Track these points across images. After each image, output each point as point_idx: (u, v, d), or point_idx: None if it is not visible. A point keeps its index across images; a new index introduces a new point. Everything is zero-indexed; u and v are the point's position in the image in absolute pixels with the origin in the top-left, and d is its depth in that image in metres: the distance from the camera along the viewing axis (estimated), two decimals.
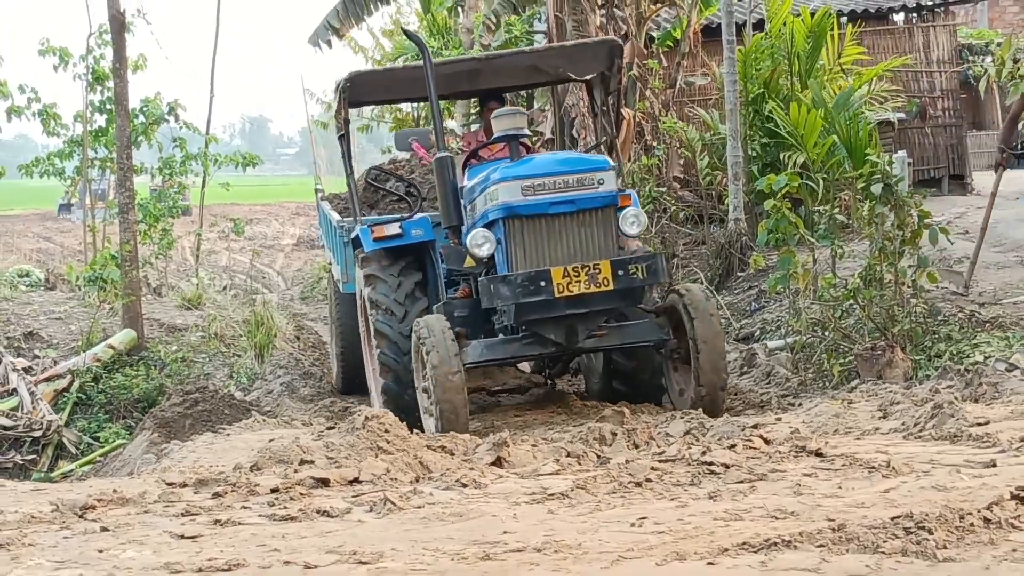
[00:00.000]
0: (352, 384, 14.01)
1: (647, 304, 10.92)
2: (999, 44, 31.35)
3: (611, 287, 9.67)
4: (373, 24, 24.09)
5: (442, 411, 9.46)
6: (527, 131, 11.50)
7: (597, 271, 9.72)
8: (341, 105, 12.59)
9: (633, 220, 10.36)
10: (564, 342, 9.96)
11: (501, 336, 10.56)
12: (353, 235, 12.23)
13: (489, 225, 10.17)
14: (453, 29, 23.24)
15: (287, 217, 37.97)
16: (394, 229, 11.34)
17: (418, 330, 9.89)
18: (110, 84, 18.88)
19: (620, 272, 9.74)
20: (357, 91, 12.74)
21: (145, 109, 20.53)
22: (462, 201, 11.17)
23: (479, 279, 10.30)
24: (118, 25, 17.62)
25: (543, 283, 9.53)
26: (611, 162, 10.85)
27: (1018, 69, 25.10)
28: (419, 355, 10.06)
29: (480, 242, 10.02)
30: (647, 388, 11.38)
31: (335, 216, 14.59)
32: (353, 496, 5.08)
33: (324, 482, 5.42)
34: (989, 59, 33.26)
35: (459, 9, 23.08)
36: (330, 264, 15.97)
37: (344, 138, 12.92)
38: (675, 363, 10.75)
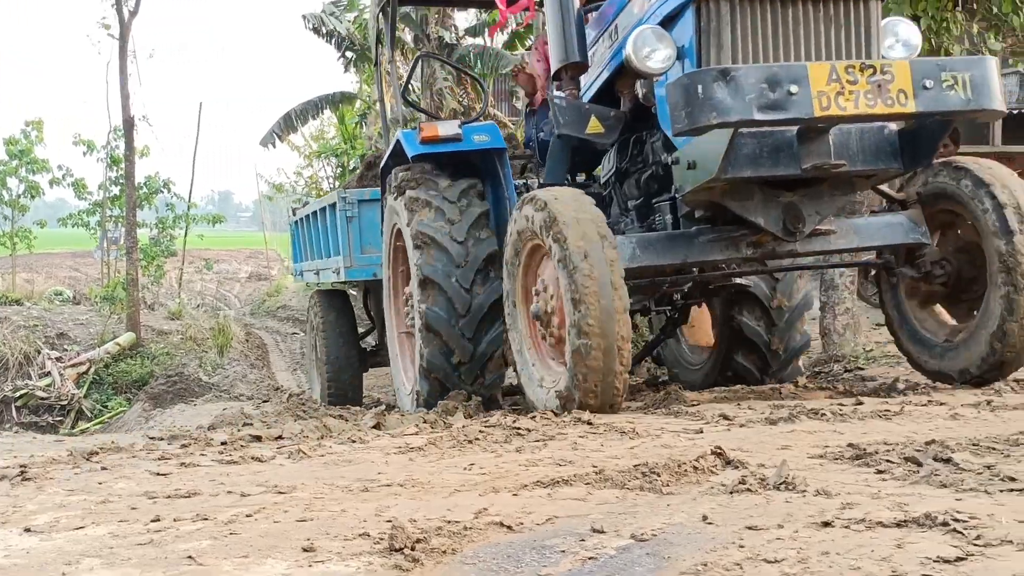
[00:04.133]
0: (341, 396, 9.06)
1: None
2: None
3: (910, 107, 4.43)
4: (306, 131, 23.76)
5: (591, 351, 4.67)
6: None
7: (887, 76, 4.40)
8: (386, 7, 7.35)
9: (902, 34, 5.02)
10: (780, 233, 4.97)
11: (661, 231, 5.46)
12: (392, 146, 6.87)
13: (666, 22, 5.04)
14: (359, 136, 23.03)
15: (243, 259, 37.06)
16: (452, 128, 6.32)
17: (538, 209, 4.98)
18: (123, 166, 18.64)
19: (926, 82, 4.44)
20: None
21: (147, 183, 20.31)
22: (587, 30, 5.88)
23: (657, 84, 5.15)
24: (128, 126, 17.46)
25: (793, 88, 4.34)
26: None
27: None
28: (529, 259, 5.31)
29: (651, 45, 4.91)
30: (780, 364, 6.68)
31: (330, 197, 9.57)
32: (277, 448, 4.89)
33: (258, 438, 5.21)
34: None
35: (363, 123, 22.86)
36: (306, 272, 10.84)
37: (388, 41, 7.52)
38: (928, 291, 5.53)
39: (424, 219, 6.18)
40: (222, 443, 5.05)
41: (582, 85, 5.95)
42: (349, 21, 20.26)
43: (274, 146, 21.75)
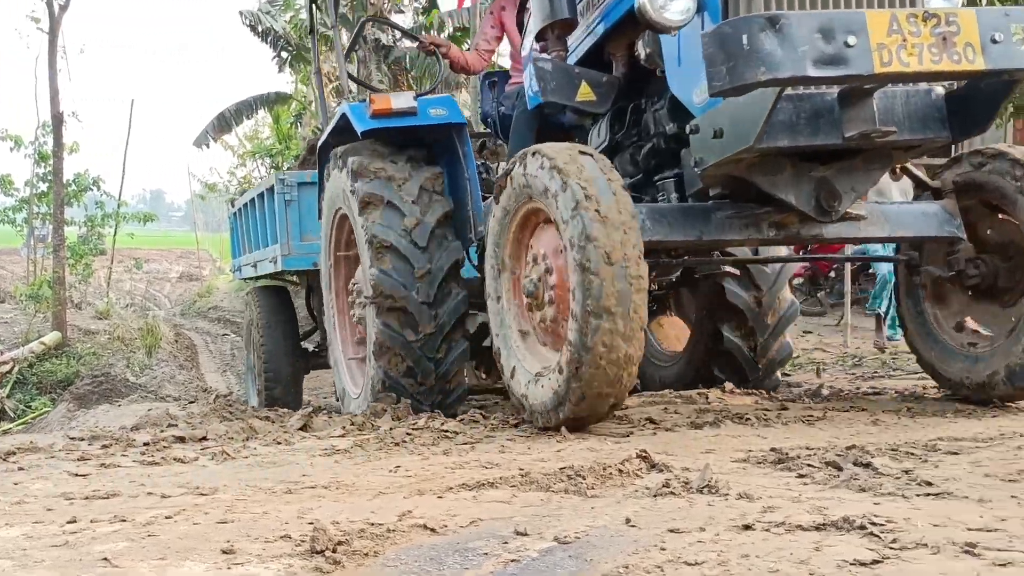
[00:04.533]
0: (280, 401, 8.26)
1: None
2: None
3: (978, 64, 3.81)
4: (240, 131, 23.70)
5: (606, 335, 3.97)
6: None
7: (952, 27, 3.79)
8: None
9: None
10: (813, 212, 4.36)
11: (680, 203, 4.74)
12: (335, 121, 6.24)
13: None
14: (294, 137, 22.87)
15: (174, 259, 36.62)
16: (406, 101, 5.70)
17: (544, 167, 4.21)
18: (51, 162, 18.37)
19: (996, 35, 3.83)
20: None
21: (76, 180, 20.05)
22: None
23: (666, 42, 4.48)
24: (57, 122, 17.17)
25: (850, 39, 3.76)
26: None
27: None
28: (523, 225, 4.60)
29: None
30: (760, 375, 6.27)
31: (268, 181, 8.90)
32: (201, 449, 4.82)
33: (181, 439, 5.13)
34: None
35: (298, 123, 22.70)
36: (244, 267, 10.07)
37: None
38: (955, 292, 4.99)
39: (379, 220, 5.60)
40: (144, 444, 4.96)
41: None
42: (285, 21, 20.11)
43: (208, 146, 21.85)
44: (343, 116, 6.07)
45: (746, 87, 3.87)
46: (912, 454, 3.67)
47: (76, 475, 4.05)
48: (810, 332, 6.23)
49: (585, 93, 4.97)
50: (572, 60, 5.20)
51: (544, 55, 5.18)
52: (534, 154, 4.30)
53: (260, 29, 19.75)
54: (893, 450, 3.70)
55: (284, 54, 20.45)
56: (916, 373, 7.03)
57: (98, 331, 17.14)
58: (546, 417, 4.38)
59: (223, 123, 21.82)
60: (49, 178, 19.16)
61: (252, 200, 9.54)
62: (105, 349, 15.72)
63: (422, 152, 5.89)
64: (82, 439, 5.45)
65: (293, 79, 23.20)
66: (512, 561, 2.58)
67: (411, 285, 5.45)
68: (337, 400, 6.79)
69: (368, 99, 5.83)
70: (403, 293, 5.44)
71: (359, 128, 5.84)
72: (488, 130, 6.74)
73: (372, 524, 2.93)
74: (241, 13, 19.80)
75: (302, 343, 9.24)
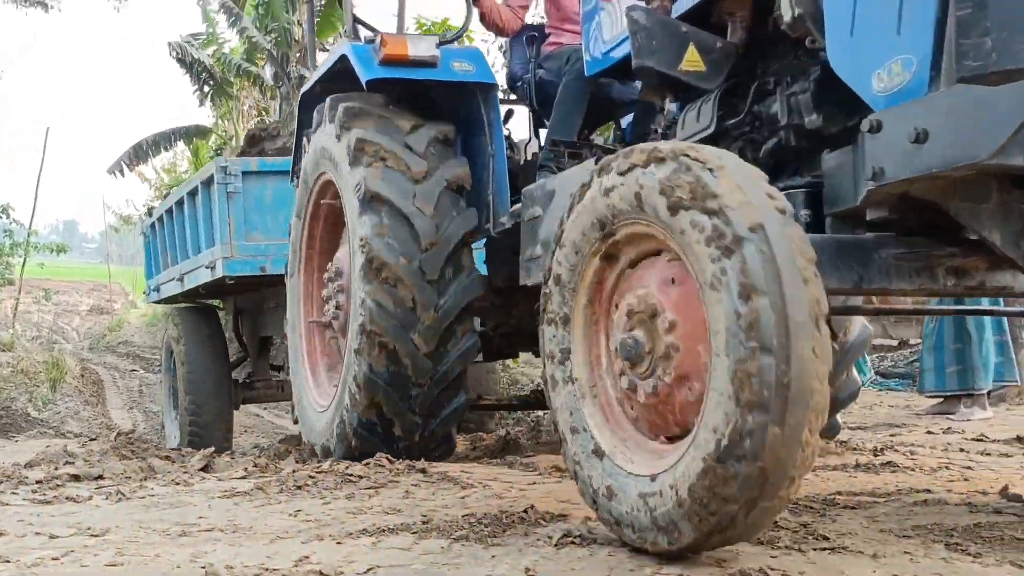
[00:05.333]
0: (206, 440, 7.34)
1: None
2: None
3: None
4: (157, 162, 23.64)
5: (772, 431, 2.37)
6: None
7: None
8: None
9: None
10: (1018, 258, 2.95)
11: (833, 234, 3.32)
12: (328, 65, 5.30)
13: None
14: None
15: (85, 291, 35.80)
16: (426, 48, 4.73)
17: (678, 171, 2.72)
18: None
19: None
20: None
21: None
22: None
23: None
24: None
25: None
26: None
27: None
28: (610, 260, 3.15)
29: None
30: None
31: (206, 170, 7.42)
32: (96, 488, 4.67)
33: (76, 477, 4.96)
34: None
35: (220, 154, 22.59)
36: (163, 286, 8.78)
37: None
38: None
39: (371, 161, 4.63)
40: (37, 481, 4.81)
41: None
42: (207, 55, 20.01)
43: (122, 174, 21.38)
44: (341, 59, 5.03)
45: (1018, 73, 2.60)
46: (811, 508, 3.72)
47: None
48: None
49: (692, 61, 3.73)
50: (675, 15, 3.95)
51: (640, 3, 3.92)
52: (669, 159, 2.84)
53: (187, 60, 19.60)
54: (792, 504, 3.74)
55: (206, 88, 20.30)
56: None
57: (1, 363, 16.62)
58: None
59: (139, 153, 21.41)
60: None
61: (180, 200, 8.11)
62: (7, 382, 15.18)
63: (443, 127, 4.92)
64: None
65: (214, 114, 23.03)
66: None
67: (413, 255, 4.54)
68: (294, 421, 5.85)
69: (379, 40, 4.79)
70: (400, 264, 4.51)
71: (364, 75, 4.78)
72: (513, 97, 5.67)
73: (267, 569, 2.87)
74: (169, 44, 19.74)
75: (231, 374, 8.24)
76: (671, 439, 2.97)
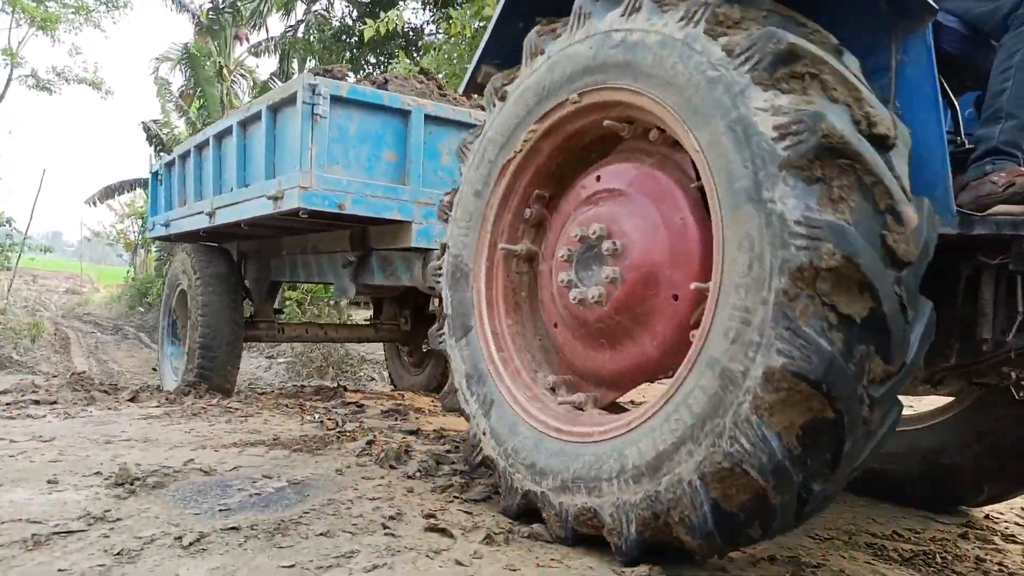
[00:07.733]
0: (216, 377, 6.67)
1: None
2: None
3: None
4: (122, 199, 27.36)
5: None
6: None
7: None
8: None
9: None
10: None
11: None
12: None
13: None
14: None
15: (63, 279, 39.18)
16: None
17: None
18: None
19: None
20: None
21: None
22: None
23: None
24: None
25: None
26: None
27: None
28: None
29: None
30: None
31: (289, 86, 5.30)
32: (50, 409, 5.35)
33: (37, 402, 5.67)
34: None
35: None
36: (184, 219, 7.18)
37: None
38: None
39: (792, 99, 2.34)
40: (7, 404, 5.49)
41: None
42: (164, 134, 24.22)
43: (95, 205, 26.62)
44: None
45: None
46: None
47: None
48: None
49: None
50: None
51: None
52: None
53: (151, 134, 24.21)
54: None
55: (161, 154, 22.75)
56: None
57: None
58: None
59: (109, 192, 26.45)
60: None
61: (222, 132, 6.49)
62: None
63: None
64: None
65: None
66: (255, 494, 3.31)
67: (877, 272, 2.24)
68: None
69: None
70: (867, 276, 2.23)
71: None
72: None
73: (164, 467, 3.60)
74: (143, 123, 24.60)
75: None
76: None
